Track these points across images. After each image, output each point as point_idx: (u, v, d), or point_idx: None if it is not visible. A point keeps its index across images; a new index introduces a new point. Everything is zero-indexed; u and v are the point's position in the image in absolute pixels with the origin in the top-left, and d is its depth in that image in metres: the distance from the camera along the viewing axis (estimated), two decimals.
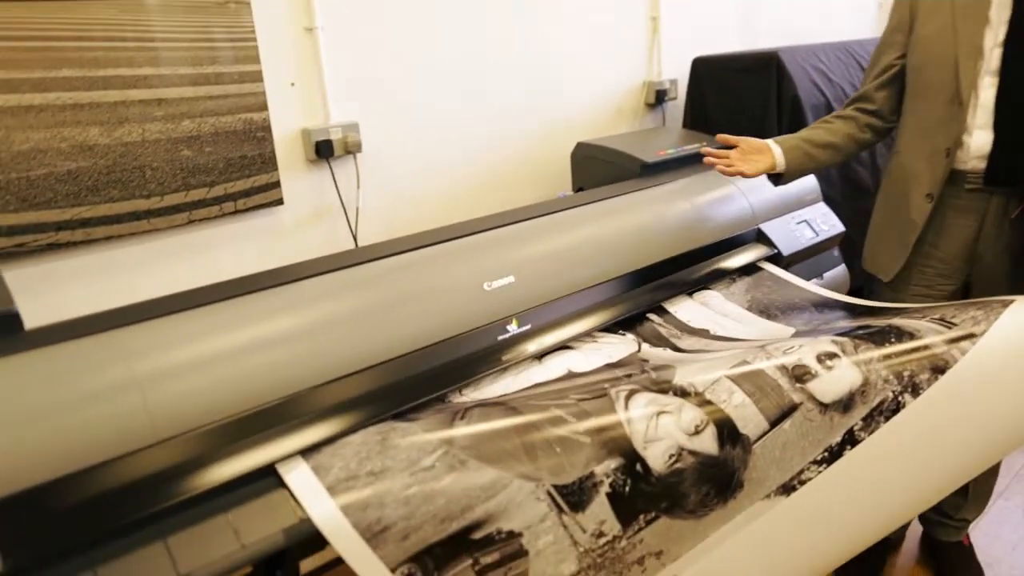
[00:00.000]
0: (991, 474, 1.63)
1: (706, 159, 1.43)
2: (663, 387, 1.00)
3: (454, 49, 1.75)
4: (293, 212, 1.56)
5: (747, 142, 1.47)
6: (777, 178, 1.49)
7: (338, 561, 0.89)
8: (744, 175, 1.43)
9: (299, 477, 0.87)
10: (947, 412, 1.01)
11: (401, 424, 0.95)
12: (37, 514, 0.75)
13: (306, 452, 0.90)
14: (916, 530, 1.81)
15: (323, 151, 1.55)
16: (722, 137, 1.49)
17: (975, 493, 1.63)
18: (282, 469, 0.87)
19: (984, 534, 1.78)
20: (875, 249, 1.58)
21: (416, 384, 1.02)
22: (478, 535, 0.87)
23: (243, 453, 0.87)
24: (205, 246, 1.46)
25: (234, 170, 1.46)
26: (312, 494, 0.85)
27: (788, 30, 2.63)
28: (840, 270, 1.74)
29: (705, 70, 2.08)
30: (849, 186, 2.04)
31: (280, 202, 1.53)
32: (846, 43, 2.19)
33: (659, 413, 0.97)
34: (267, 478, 0.87)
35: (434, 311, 1.08)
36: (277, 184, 1.52)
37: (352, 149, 1.59)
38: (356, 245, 1.65)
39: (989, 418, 1.02)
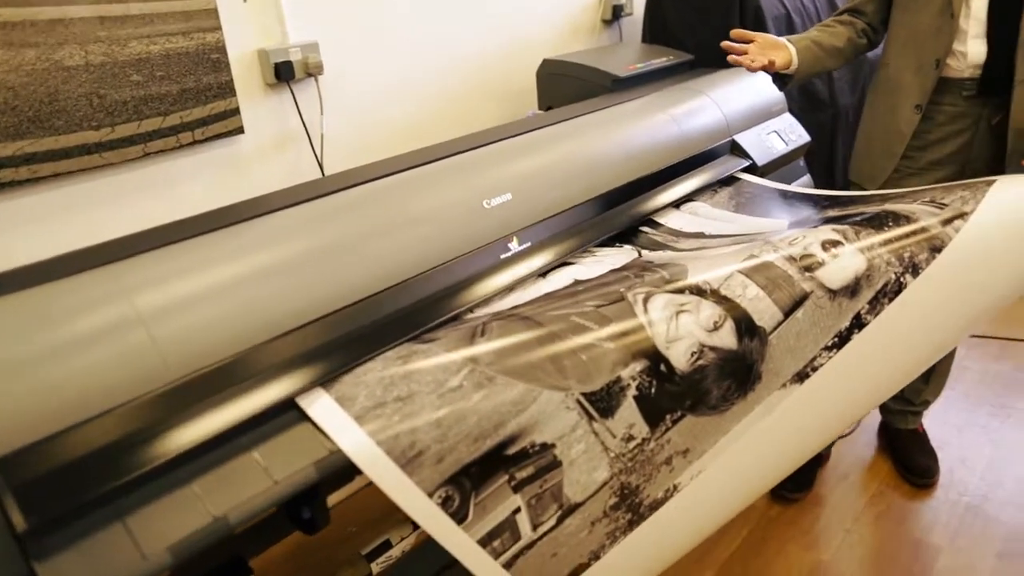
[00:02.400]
0: (949, 358, 1.74)
1: (729, 56, 1.40)
2: (679, 287, 1.00)
3: None
4: (255, 141, 1.47)
5: (763, 37, 1.43)
6: (785, 79, 1.47)
7: (356, 491, 0.88)
8: (766, 68, 1.40)
9: (323, 409, 0.84)
10: (945, 287, 1.06)
11: (420, 346, 0.92)
12: (55, 466, 0.69)
13: (326, 383, 0.86)
14: (875, 421, 1.93)
15: (283, 74, 1.45)
16: (739, 32, 1.43)
17: (935, 377, 1.74)
18: (303, 402, 0.84)
19: (932, 421, 1.91)
20: (862, 159, 1.61)
21: (426, 307, 0.99)
22: (512, 450, 0.86)
23: (260, 388, 0.83)
24: (164, 180, 1.36)
25: (189, 96, 1.35)
26: (340, 425, 0.82)
27: None
28: (806, 179, 1.78)
29: None
30: (806, 99, 2.06)
31: (241, 130, 1.43)
32: None
33: (678, 312, 0.97)
34: (287, 413, 0.83)
35: (438, 231, 1.04)
36: (236, 111, 1.42)
37: (313, 71, 1.49)
38: (323, 173, 1.57)
39: (980, 288, 1.09)
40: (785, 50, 1.46)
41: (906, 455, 1.78)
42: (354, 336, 0.91)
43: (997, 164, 1.45)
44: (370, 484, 0.81)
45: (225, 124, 1.41)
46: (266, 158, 1.50)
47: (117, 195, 1.30)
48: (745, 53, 1.40)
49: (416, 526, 1.21)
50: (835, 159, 2.19)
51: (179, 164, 1.37)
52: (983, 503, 1.67)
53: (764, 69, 1.41)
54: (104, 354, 0.75)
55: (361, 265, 0.96)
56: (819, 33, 1.53)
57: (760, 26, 1.94)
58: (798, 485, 1.70)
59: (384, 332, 0.93)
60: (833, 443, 1.82)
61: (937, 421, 1.92)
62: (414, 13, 1.68)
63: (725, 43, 1.42)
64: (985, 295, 1.11)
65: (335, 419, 0.83)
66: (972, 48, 1.37)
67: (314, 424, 0.82)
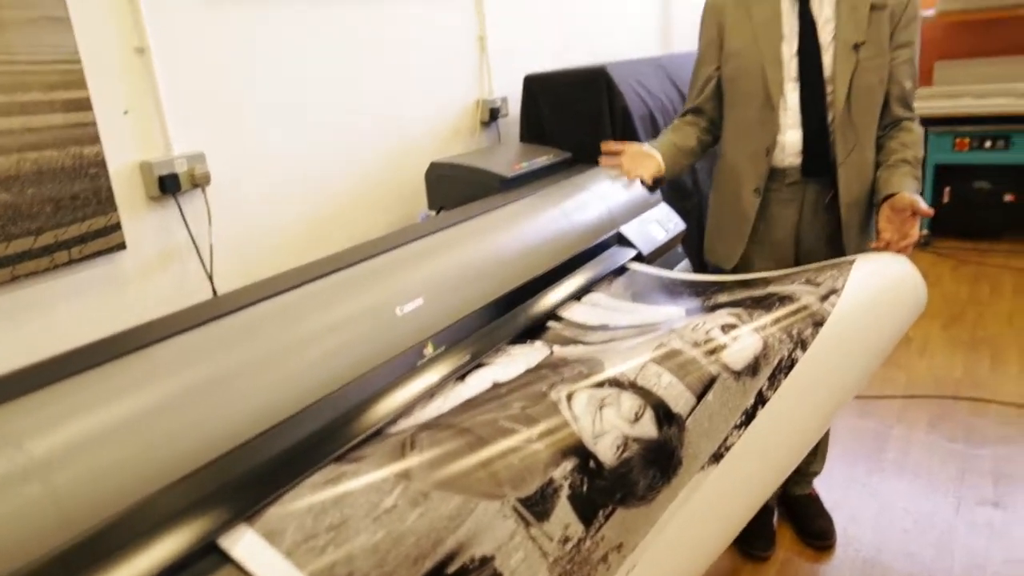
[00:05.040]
0: (826, 431, 1.88)
1: (604, 164, 1.60)
2: (598, 380, 1.03)
3: (296, 75, 1.66)
4: (137, 257, 1.39)
5: (630, 147, 1.59)
6: (656, 183, 1.60)
7: None
8: (644, 179, 1.58)
9: (250, 548, 0.77)
10: (829, 357, 1.16)
11: (348, 467, 0.88)
12: None
13: (250, 518, 0.80)
14: None
15: (168, 186, 1.39)
16: (608, 145, 1.60)
17: (819, 447, 1.86)
18: (226, 543, 0.77)
19: (820, 483, 2.02)
20: (716, 242, 1.75)
21: (347, 424, 0.95)
22: (452, 568, 0.83)
23: (175, 532, 0.76)
24: (36, 305, 1.25)
25: (65, 214, 1.26)
26: (271, 565, 0.76)
27: (592, 48, 2.83)
28: (685, 263, 1.90)
29: (538, 86, 2.17)
30: (673, 188, 2.23)
31: (122, 247, 1.35)
32: (656, 58, 2.40)
33: (601, 406, 0.99)
34: (209, 556, 0.76)
35: (351, 343, 1.02)
36: (117, 226, 1.34)
37: (200, 182, 1.44)
38: (212, 285, 1.50)
39: (859, 353, 1.20)
40: (653, 159, 1.64)
41: (805, 520, 1.87)
42: (274, 463, 0.86)
43: (830, 238, 1.61)
44: None
45: (105, 241, 1.32)
46: (150, 274, 1.41)
47: None
48: (619, 164, 1.60)
49: None
50: (703, 243, 2.36)
51: (53, 286, 1.27)
52: (878, 555, 1.78)
53: (642, 178, 1.61)
54: None
55: (274, 387, 0.91)
56: (674, 135, 1.70)
57: (628, 124, 2.10)
58: (767, 543, 1.79)
59: (306, 455, 0.88)
60: None
61: (824, 483, 2.05)
62: (300, 119, 1.68)
63: (603, 158, 1.62)
64: (864, 358, 1.22)
65: (265, 559, 0.76)
66: (790, 138, 1.55)
67: (240, 568, 0.76)
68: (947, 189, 3.96)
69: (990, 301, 3.24)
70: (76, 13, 1.25)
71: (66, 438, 0.74)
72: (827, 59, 1.50)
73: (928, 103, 4.02)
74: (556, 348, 1.21)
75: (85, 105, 1.27)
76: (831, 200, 1.58)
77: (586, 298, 1.43)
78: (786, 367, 1.14)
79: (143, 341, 0.90)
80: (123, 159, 1.35)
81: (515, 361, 1.16)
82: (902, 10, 1.49)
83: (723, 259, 1.75)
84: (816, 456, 1.87)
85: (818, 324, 1.18)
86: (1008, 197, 3.83)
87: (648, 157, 1.63)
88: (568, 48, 2.68)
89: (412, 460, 0.89)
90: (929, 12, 4.14)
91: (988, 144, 3.77)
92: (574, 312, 1.37)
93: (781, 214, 1.63)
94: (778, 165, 1.59)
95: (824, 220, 1.61)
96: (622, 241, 1.68)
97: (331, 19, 1.73)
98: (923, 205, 1.36)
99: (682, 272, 1.70)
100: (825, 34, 1.50)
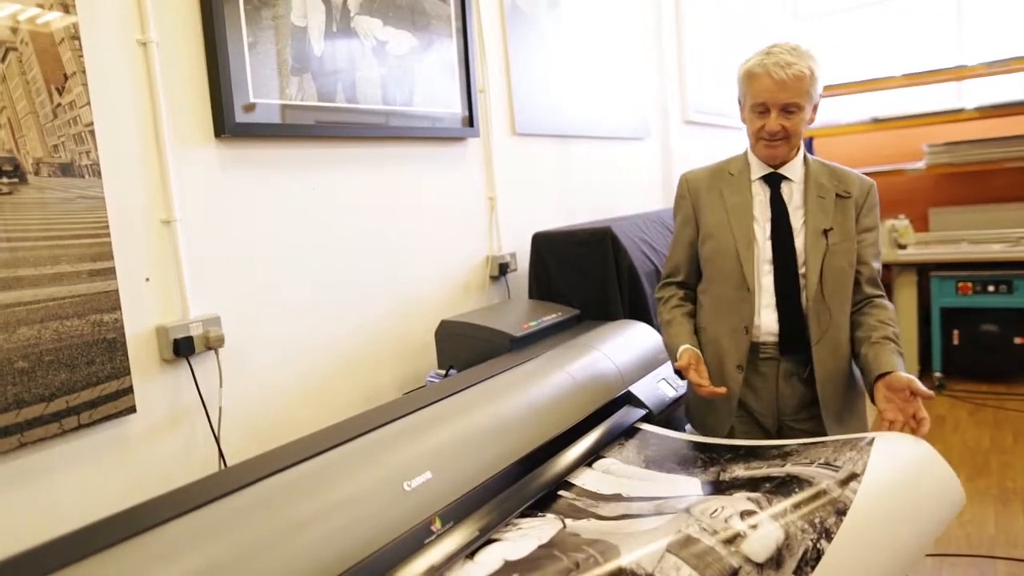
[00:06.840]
0: None
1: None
2: (612, 570, 0.98)
3: (312, 238, 1.73)
4: (147, 419, 1.39)
5: (695, 367, 1.51)
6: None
7: None
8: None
9: None
10: (857, 550, 1.10)
11: None
12: None
13: None
14: None
15: (182, 349, 1.41)
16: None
17: None
18: None
19: None
20: (702, 415, 1.67)
21: None
22: None
23: None
24: (39, 472, 1.23)
25: (79, 379, 1.27)
26: None
27: (597, 205, 2.95)
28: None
29: (545, 245, 2.24)
30: None
31: (132, 410, 1.35)
32: (659, 212, 2.50)
33: None
34: None
35: (358, 522, 0.99)
36: (129, 390, 1.35)
37: (214, 344, 1.46)
38: (219, 448, 1.49)
39: (887, 547, 1.14)
40: (700, 358, 1.53)
41: None
42: None
43: (808, 409, 1.58)
44: None
45: (115, 405, 1.33)
46: (158, 437, 1.41)
47: None
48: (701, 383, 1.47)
49: None
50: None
51: (60, 451, 1.26)
52: None
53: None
54: None
55: (279, 570, 0.88)
56: (682, 326, 1.62)
57: (634, 280, 2.14)
58: None
59: None
60: None
61: None
62: (314, 281, 1.74)
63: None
64: (897, 551, 1.15)
65: None
66: (766, 318, 1.56)
67: None
68: (955, 332, 3.97)
69: (1015, 450, 3.15)
70: (111, 191, 1.33)
71: None
72: (799, 243, 1.55)
73: (927, 249, 4.12)
74: (568, 522, 1.17)
75: (110, 274, 1.32)
76: (808, 375, 1.58)
77: (598, 464, 1.41)
78: (812, 560, 1.08)
79: (152, 521, 0.89)
80: (141, 324, 1.38)
81: (526, 536, 1.13)
82: (864, 198, 1.58)
83: (712, 432, 1.67)
84: None
85: (840, 513, 1.13)
86: (1018, 340, 3.83)
87: (698, 361, 1.53)
88: (574, 206, 2.80)
89: None
90: (919, 164, 4.34)
91: (991, 288, 3.82)
92: (586, 480, 1.34)
93: (761, 387, 1.61)
94: (755, 340, 1.58)
95: (801, 393, 1.59)
96: (632, 400, 1.68)
97: (345, 184, 1.83)
98: (922, 387, 1.34)
99: (692, 434, 1.67)
100: (796, 219, 1.56)
